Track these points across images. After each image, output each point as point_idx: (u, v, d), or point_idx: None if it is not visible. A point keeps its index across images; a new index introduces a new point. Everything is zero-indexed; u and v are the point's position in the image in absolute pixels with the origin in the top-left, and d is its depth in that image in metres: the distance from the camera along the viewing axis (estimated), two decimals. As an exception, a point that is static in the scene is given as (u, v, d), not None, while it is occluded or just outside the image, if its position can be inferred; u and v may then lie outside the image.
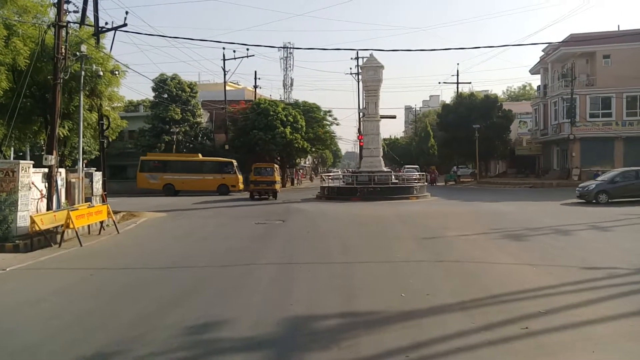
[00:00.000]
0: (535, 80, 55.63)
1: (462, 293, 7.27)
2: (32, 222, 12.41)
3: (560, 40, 37.86)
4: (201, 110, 42.35)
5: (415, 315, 6.32)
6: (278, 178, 31.26)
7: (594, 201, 21.64)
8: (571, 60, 38.77)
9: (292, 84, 68.60)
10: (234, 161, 35.11)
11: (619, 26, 44.38)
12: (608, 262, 9.35)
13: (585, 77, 38.86)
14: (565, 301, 6.77)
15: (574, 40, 37.53)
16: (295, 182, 54.82)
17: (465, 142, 42.06)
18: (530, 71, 51.59)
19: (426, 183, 31.46)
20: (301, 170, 66.62)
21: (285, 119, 38.90)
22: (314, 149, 47.98)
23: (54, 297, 7.73)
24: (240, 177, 34.39)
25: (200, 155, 36.30)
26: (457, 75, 51.28)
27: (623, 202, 21.33)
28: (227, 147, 40.36)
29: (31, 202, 13.68)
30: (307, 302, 7.05)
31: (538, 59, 47.53)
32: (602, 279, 8.06)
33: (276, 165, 33.11)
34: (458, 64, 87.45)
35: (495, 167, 55.92)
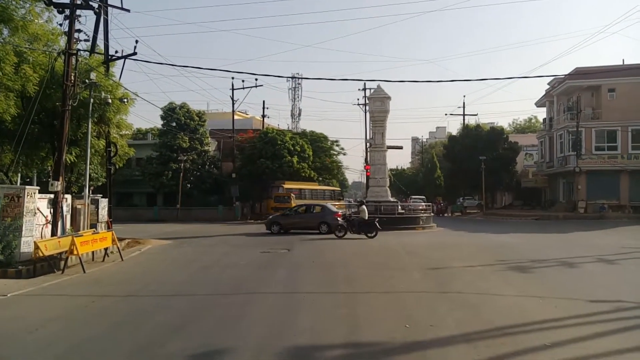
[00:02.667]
0: (541, 113, 55.97)
1: (467, 325, 7.14)
2: (36, 247, 12.37)
3: (566, 73, 38.25)
4: (209, 138, 42.78)
5: (419, 347, 6.21)
6: (294, 204, 33.64)
7: (268, 230, 24.40)
8: (577, 93, 39.08)
9: (300, 114, 69.51)
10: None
11: (623, 60, 44.86)
12: (614, 295, 9.17)
13: (590, 110, 39.08)
14: (571, 334, 6.63)
15: (579, 73, 37.91)
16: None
17: (472, 173, 42.08)
18: (536, 104, 51.98)
19: (432, 214, 31.29)
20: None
21: (292, 148, 39.15)
22: (320, 179, 48.12)
23: (53, 324, 7.66)
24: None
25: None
26: (464, 107, 51.87)
27: (295, 232, 23.48)
28: (234, 175, 40.56)
29: (36, 228, 13.72)
30: (311, 332, 6.94)
31: (544, 92, 47.94)
32: (609, 312, 7.90)
33: (292, 194, 36.02)
34: (464, 95, 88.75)
35: (501, 198, 55.66)
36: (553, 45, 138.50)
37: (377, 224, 21.46)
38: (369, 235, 21.16)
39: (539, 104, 51.02)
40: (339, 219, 22.90)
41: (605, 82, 37.73)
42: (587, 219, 33.00)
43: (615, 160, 36.55)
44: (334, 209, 25.25)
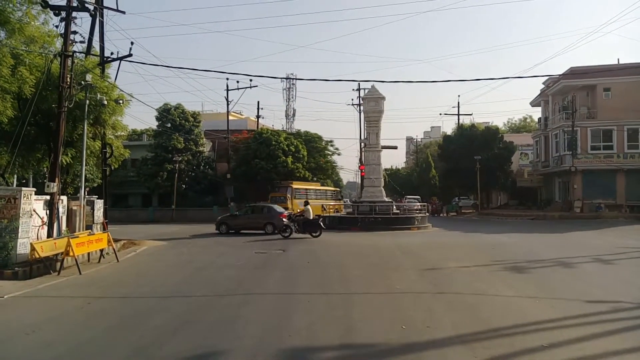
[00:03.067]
0: (536, 113, 56.23)
1: (463, 326, 7.16)
2: (32, 249, 12.33)
3: (561, 73, 38.41)
4: (204, 139, 42.73)
5: (415, 348, 6.22)
6: (290, 205, 34.91)
7: (217, 230, 24.88)
8: (572, 93, 39.24)
9: (294, 114, 69.37)
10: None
11: (618, 59, 45.08)
12: (611, 295, 9.23)
13: (586, 110, 39.27)
14: (568, 335, 6.66)
15: (574, 73, 38.10)
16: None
17: (467, 173, 42.18)
18: (531, 103, 52.20)
19: (427, 214, 31.37)
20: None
21: (287, 149, 39.15)
22: (315, 179, 48.15)
23: (50, 326, 7.64)
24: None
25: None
26: (458, 106, 51.95)
27: (243, 233, 24.21)
28: (229, 176, 40.51)
29: (32, 229, 13.66)
30: (306, 334, 6.94)
31: (539, 92, 48.15)
32: (606, 312, 7.94)
33: (288, 195, 36.07)
34: (459, 95, 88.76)
35: (496, 198, 55.83)
36: (548, 44, 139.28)
37: (321, 224, 22.12)
38: (314, 234, 21.69)
39: (534, 103, 51.23)
40: (284, 219, 23.39)
41: (601, 82, 37.90)
42: (583, 218, 33.14)
43: (611, 160, 36.73)
44: (280, 210, 25.80)
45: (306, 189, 38.55)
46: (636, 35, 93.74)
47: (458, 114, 51.80)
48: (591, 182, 36.53)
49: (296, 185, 37.32)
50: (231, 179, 40.24)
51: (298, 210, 33.09)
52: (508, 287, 10.09)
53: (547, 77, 41.45)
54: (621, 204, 35.90)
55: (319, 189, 41.19)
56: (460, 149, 43.69)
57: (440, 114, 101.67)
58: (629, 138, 36.78)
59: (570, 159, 36.77)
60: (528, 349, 6.03)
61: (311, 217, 22.23)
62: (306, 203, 23.89)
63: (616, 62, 39.94)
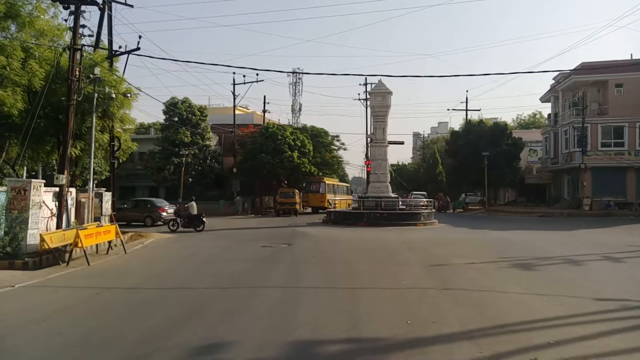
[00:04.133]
0: (546, 109, 55.75)
1: (469, 321, 7.14)
2: (42, 240, 12.51)
3: (572, 68, 37.93)
4: (210, 133, 42.84)
5: (421, 343, 6.22)
6: (298, 200, 38.24)
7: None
8: (582, 88, 38.79)
9: (300, 109, 69.25)
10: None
11: (632, 55, 44.35)
12: (620, 294, 9.15)
13: (596, 106, 38.79)
14: (576, 332, 6.63)
15: (585, 68, 37.51)
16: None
17: (474, 169, 41.92)
18: (540, 99, 51.70)
19: (434, 210, 31.26)
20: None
21: (293, 143, 39.16)
22: (321, 174, 48.16)
23: (60, 315, 7.74)
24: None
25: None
26: (466, 102, 51.59)
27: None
28: (235, 170, 40.62)
29: (41, 221, 13.82)
30: (312, 327, 6.97)
31: (549, 87, 47.65)
32: (615, 310, 7.89)
33: (296, 190, 38.97)
34: (467, 90, 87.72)
35: (504, 195, 55.49)
36: (559, 40, 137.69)
37: (204, 219, 23.07)
38: (197, 229, 22.66)
39: (544, 99, 50.73)
40: (163, 213, 26.28)
41: (613, 77, 37.29)
42: (592, 216, 32.85)
43: (622, 157, 36.29)
44: (160, 204, 27.76)
45: (332, 184, 42.95)
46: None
47: (466, 110, 51.49)
48: (601, 180, 36.12)
49: (327, 180, 41.66)
50: (237, 173, 40.36)
51: (329, 202, 34.15)
52: (515, 284, 10.05)
53: (557, 73, 40.95)
54: (631, 201, 35.46)
55: (339, 185, 45.13)
56: (468, 145, 43.40)
57: (448, 110, 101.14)
58: (641, 135, 36.32)
59: (580, 155, 36.38)
60: (534, 346, 6.01)
61: (195, 213, 23.22)
62: (191, 199, 24.57)
63: (629, 58, 39.35)
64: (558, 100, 45.14)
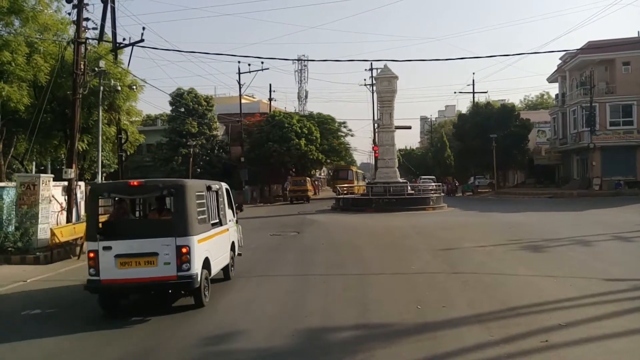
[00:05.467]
0: (553, 89, 54.95)
1: (479, 305, 7.14)
2: (52, 234, 12.61)
3: (578, 47, 37.33)
4: (217, 123, 42.82)
5: (431, 328, 6.23)
6: (310, 187, 40.44)
7: None
8: (590, 68, 38.19)
9: (306, 96, 68.91)
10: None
11: (638, 32, 43.58)
12: (631, 274, 9.10)
13: (604, 85, 38.23)
14: (586, 314, 6.61)
15: (592, 47, 36.93)
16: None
17: (482, 152, 41.60)
18: (547, 80, 50.99)
19: (443, 194, 31.14)
20: (316, 182, 66.69)
21: (299, 131, 39.08)
22: (328, 161, 47.97)
23: (72, 308, 7.85)
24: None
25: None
26: (473, 84, 51.00)
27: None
28: (242, 159, 40.68)
29: (51, 215, 13.95)
30: (322, 314, 7.00)
31: (555, 68, 46.96)
32: (625, 291, 7.85)
33: (308, 178, 41.08)
34: (474, 73, 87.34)
35: (513, 177, 55.10)
36: (564, 19, 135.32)
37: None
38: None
39: (551, 79, 50.03)
40: None
41: (620, 56, 36.71)
42: (602, 196, 32.52)
43: (631, 136, 35.80)
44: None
45: (356, 172, 49.43)
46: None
47: (473, 92, 50.93)
48: (610, 159, 35.73)
49: (353, 169, 47.98)
50: (245, 162, 40.41)
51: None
52: (525, 267, 10.02)
53: (564, 52, 40.30)
54: (641, 180, 35.15)
55: (359, 172, 52.66)
56: (476, 127, 43.02)
57: (455, 93, 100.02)
58: (649, 113, 35.82)
59: (589, 135, 35.95)
60: (545, 328, 5.99)
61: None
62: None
63: (635, 35, 38.66)
64: (565, 80, 44.51)
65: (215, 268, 8.41)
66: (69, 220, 14.82)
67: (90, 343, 6.16)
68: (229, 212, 9.86)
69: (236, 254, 10.30)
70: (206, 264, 7.66)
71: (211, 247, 8.04)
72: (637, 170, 35.62)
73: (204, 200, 8.04)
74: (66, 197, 15.06)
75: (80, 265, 11.94)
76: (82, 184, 17.18)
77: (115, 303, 7.57)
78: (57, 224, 14.15)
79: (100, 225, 7.38)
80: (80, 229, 13.39)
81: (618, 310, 6.79)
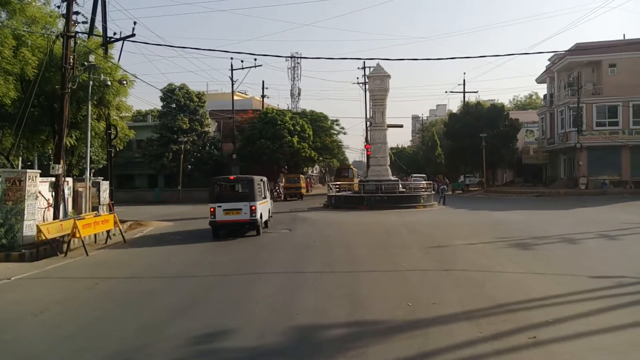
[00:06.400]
0: (542, 89, 55.42)
1: (469, 302, 7.19)
2: (39, 231, 12.42)
3: (566, 49, 37.79)
4: (209, 119, 42.56)
5: (421, 325, 6.26)
6: (303, 184, 41.24)
7: None
8: (577, 69, 38.69)
9: (299, 94, 68.73)
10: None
11: (624, 35, 44.15)
12: (616, 271, 9.23)
13: (591, 86, 38.74)
14: (574, 310, 6.68)
15: (579, 49, 37.46)
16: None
17: (472, 151, 41.95)
18: (536, 80, 51.50)
19: (433, 192, 31.34)
20: (309, 179, 66.68)
21: (292, 128, 39.02)
22: (321, 158, 48.00)
23: (58, 307, 7.74)
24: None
25: None
26: (464, 84, 51.31)
27: None
28: (234, 156, 40.52)
29: (38, 211, 13.77)
30: (313, 312, 7.00)
31: (544, 68, 47.46)
32: (611, 287, 7.95)
33: (302, 176, 41.69)
34: (465, 73, 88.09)
35: (502, 175, 55.61)
36: (554, 21, 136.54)
37: None
38: None
39: (540, 80, 50.55)
40: None
41: (606, 58, 37.29)
42: (588, 195, 32.99)
43: (617, 136, 36.37)
44: None
45: (355, 170, 51.76)
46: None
47: (464, 92, 51.22)
48: (596, 159, 36.28)
49: (353, 167, 51.29)
50: (237, 159, 40.24)
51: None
52: (514, 264, 10.12)
53: (552, 54, 40.72)
54: (626, 180, 35.70)
55: (356, 170, 53.46)
56: (466, 127, 43.35)
57: (446, 92, 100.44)
58: (634, 114, 36.31)
59: (576, 135, 36.42)
60: (533, 325, 6.05)
61: None
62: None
63: (622, 38, 39.21)
64: (554, 81, 44.99)
65: (264, 218, 16.72)
66: (56, 216, 14.64)
67: (76, 341, 6.10)
68: (267, 193, 18.63)
69: (270, 215, 18.50)
70: (261, 215, 15.92)
71: (262, 208, 16.39)
72: (622, 170, 36.22)
73: (260, 185, 16.56)
74: (53, 193, 14.87)
75: (68, 263, 11.84)
76: (70, 179, 16.98)
77: (218, 232, 15.48)
78: (44, 220, 13.96)
79: (215, 196, 15.78)
80: (67, 225, 13.23)
81: (604, 307, 6.90)
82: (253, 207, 15.10)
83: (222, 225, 15.34)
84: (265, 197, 17.31)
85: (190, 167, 39.78)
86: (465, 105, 49.28)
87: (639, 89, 35.22)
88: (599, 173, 35.81)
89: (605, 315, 6.54)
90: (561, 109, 39.91)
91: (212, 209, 15.12)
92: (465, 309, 6.84)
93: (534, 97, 71.55)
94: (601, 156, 36.11)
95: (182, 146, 38.30)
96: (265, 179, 18.19)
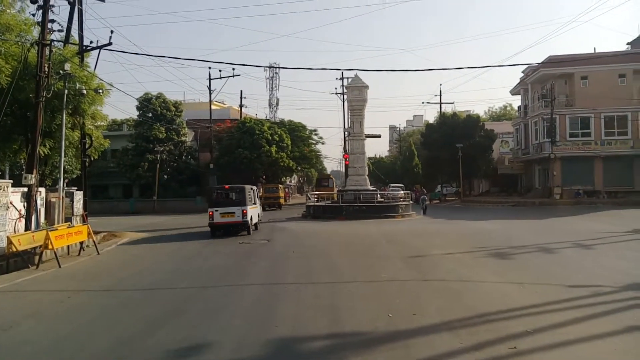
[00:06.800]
0: (516, 101, 56.77)
1: (449, 312, 7.20)
2: (9, 242, 12.03)
3: (540, 62, 38.79)
4: (186, 129, 42.19)
5: (402, 336, 6.23)
6: (282, 194, 41.84)
7: None
8: (550, 81, 39.71)
9: (277, 103, 68.96)
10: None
11: (595, 48, 45.72)
12: (592, 280, 9.39)
13: (564, 98, 39.80)
14: (552, 320, 6.75)
15: (552, 62, 38.50)
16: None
17: (449, 161, 42.53)
18: (510, 92, 52.60)
19: (412, 202, 31.58)
20: (287, 189, 66.50)
21: (270, 138, 38.96)
22: (299, 168, 48.00)
23: (29, 321, 7.47)
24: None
25: None
26: (440, 95, 52.19)
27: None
28: (212, 165, 40.18)
29: (9, 222, 13.36)
30: (292, 323, 6.91)
31: (518, 80, 48.55)
32: (587, 297, 8.08)
33: (280, 185, 42.55)
34: (441, 84, 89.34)
35: (478, 185, 56.44)
36: (528, 34, 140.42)
37: None
38: None
39: (514, 92, 51.64)
40: None
41: (578, 70, 38.36)
42: (563, 204, 33.72)
43: (589, 147, 37.34)
44: None
45: (334, 180, 53.11)
46: (612, 25, 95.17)
47: (440, 103, 52.02)
48: (570, 169, 37.16)
49: (332, 177, 52.85)
50: (214, 168, 39.93)
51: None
52: (492, 274, 10.21)
53: (526, 66, 41.78)
54: (599, 190, 36.62)
55: (333, 179, 55.08)
56: (443, 137, 43.95)
57: (423, 103, 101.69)
58: (606, 125, 37.44)
59: (550, 146, 37.29)
60: (513, 335, 6.08)
61: None
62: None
63: (592, 52, 40.48)
64: (527, 93, 46.04)
65: (254, 220, 19.77)
66: (27, 227, 14.21)
67: (48, 357, 5.88)
68: (257, 200, 21.70)
69: (260, 218, 21.62)
70: (251, 218, 18.82)
71: (253, 212, 19.27)
72: (595, 180, 37.16)
73: (250, 193, 19.53)
74: (25, 203, 14.46)
75: (39, 275, 11.48)
76: (42, 190, 16.53)
77: (215, 232, 18.37)
78: (15, 231, 13.55)
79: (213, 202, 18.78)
80: (39, 237, 12.86)
81: (581, 316, 6.98)
82: (244, 211, 18.16)
83: (219, 226, 18.38)
84: (255, 203, 20.46)
85: (166, 177, 39.29)
86: (442, 115, 50.01)
87: (610, 100, 36.30)
88: (572, 183, 36.67)
89: (583, 324, 6.62)
90: (535, 120, 40.84)
91: (210, 212, 18.26)
92: (445, 319, 6.84)
93: (508, 108, 73.21)
94: (574, 166, 37.01)
95: (158, 156, 37.82)
96: (255, 187, 21.90)
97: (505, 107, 74.98)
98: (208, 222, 18.39)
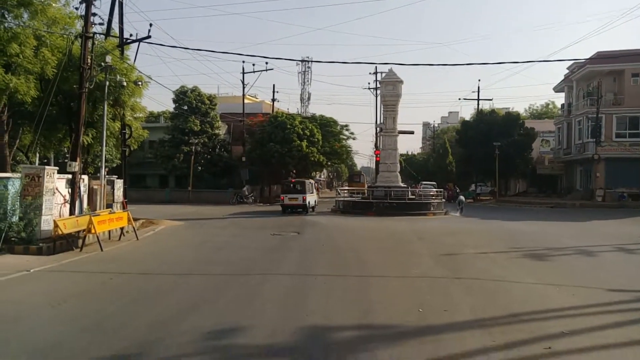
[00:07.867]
0: (559, 99, 54.86)
1: (482, 310, 7.11)
2: (56, 226, 12.62)
3: (587, 57, 37.23)
4: (219, 122, 42.83)
5: (432, 331, 6.20)
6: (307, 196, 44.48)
7: None
8: (597, 78, 38.06)
9: (309, 98, 68.88)
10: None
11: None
12: (634, 285, 9.07)
13: (612, 96, 38.03)
14: (590, 323, 6.57)
15: (600, 57, 36.71)
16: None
17: (485, 159, 41.56)
18: (554, 89, 50.91)
19: (444, 200, 31.10)
20: (317, 184, 66.71)
21: (301, 133, 39.06)
22: (329, 163, 47.94)
23: (75, 299, 7.85)
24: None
25: None
26: (478, 91, 50.91)
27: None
28: (244, 159, 40.69)
29: (55, 207, 13.97)
30: (323, 314, 6.98)
31: (562, 77, 46.94)
32: (630, 302, 7.81)
33: (311, 181, 46.53)
34: (479, 80, 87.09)
35: (515, 185, 55.03)
36: (574, 28, 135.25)
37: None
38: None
39: (558, 89, 49.94)
40: None
41: (629, 67, 36.42)
42: (605, 207, 32.45)
43: (637, 148, 35.59)
44: None
45: (365, 176, 59.01)
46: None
47: (478, 99, 50.82)
48: (614, 171, 35.56)
49: (363, 173, 59.58)
50: (246, 161, 40.40)
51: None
52: (528, 274, 9.99)
53: (572, 62, 40.21)
54: (646, 193, 34.96)
55: (364, 176, 60.03)
56: (479, 134, 43.00)
57: (460, 99, 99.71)
58: (657, 126, 35.69)
59: (594, 146, 35.87)
60: (548, 335, 5.96)
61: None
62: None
63: (646, 47, 38.54)
64: (572, 90, 44.41)
65: (311, 204, 28.13)
66: (72, 212, 14.83)
67: (92, 333, 6.15)
68: (314, 190, 31.18)
69: (316, 203, 29.90)
70: (309, 202, 27.47)
71: (310, 198, 28.04)
72: (642, 183, 35.46)
73: (309, 185, 28.99)
74: (70, 189, 15.07)
75: (83, 257, 11.98)
76: (85, 177, 17.18)
77: (285, 210, 27.20)
78: (61, 215, 14.15)
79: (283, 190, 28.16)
80: (83, 221, 13.39)
81: (622, 321, 6.76)
82: (304, 197, 26.67)
83: (287, 206, 27.02)
84: (312, 192, 29.09)
85: (200, 168, 40.03)
86: (479, 112, 48.96)
87: (663, 100, 34.46)
88: (617, 185, 35.15)
89: (623, 329, 6.40)
90: (579, 118, 39.39)
91: (282, 197, 27.61)
92: (477, 317, 6.76)
93: (550, 106, 70.84)
94: (620, 168, 35.38)
95: (193, 148, 38.56)
96: (312, 181, 32.31)
97: (548, 105, 72.58)
98: (280, 203, 27.99)
